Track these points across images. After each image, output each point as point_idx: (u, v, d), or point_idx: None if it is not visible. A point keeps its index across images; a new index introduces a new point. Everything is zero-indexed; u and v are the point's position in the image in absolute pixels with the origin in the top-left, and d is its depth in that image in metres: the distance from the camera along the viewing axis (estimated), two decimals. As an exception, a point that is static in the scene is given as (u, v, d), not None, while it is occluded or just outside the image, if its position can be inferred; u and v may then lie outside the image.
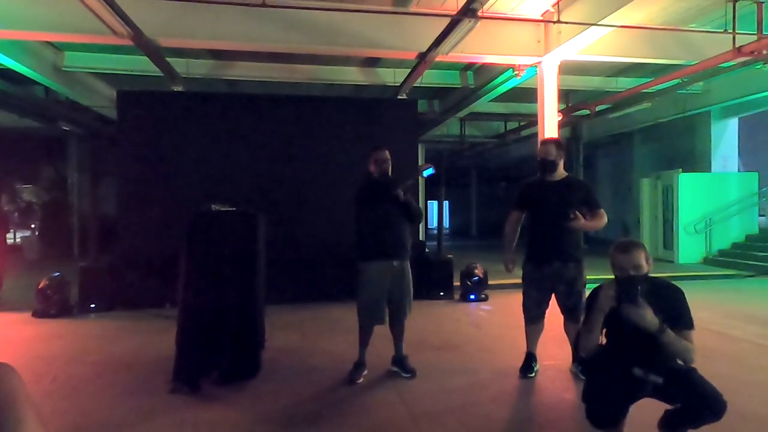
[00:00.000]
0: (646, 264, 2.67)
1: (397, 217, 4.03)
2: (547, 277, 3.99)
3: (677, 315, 2.63)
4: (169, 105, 7.89)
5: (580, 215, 3.82)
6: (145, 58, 7.80)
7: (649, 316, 2.58)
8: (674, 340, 2.57)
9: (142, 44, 6.90)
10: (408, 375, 4.08)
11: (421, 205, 8.58)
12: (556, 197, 3.97)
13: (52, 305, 6.44)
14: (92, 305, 6.68)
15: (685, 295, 2.68)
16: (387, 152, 4.12)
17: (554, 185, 4.05)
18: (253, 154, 7.56)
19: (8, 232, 14.45)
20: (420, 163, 8.95)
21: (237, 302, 4.02)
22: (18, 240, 14.98)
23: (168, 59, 8.27)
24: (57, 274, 6.77)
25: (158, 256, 6.40)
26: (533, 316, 4.11)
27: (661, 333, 2.56)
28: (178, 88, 9.21)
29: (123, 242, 7.24)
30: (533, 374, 4.09)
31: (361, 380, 3.99)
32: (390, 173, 4.11)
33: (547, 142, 4.27)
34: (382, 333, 4.19)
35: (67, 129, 12.35)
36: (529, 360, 4.14)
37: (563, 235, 3.92)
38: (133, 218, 7.26)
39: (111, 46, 8.29)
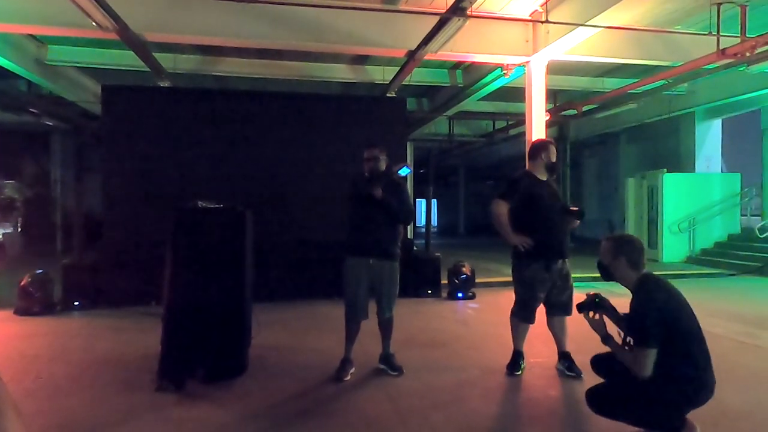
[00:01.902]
0: (608, 256, 2.83)
1: (376, 215, 3.97)
2: (550, 275, 3.99)
3: (630, 327, 2.73)
4: (155, 101, 7.80)
5: None
6: (131, 52, 7.69)
7: (594, 324, 2.85)
8: (616, 350, 2.76)
9: (128, 39, 6.81)
10: (395, 372, 4.08)
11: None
12: (553, 196, 4.02)
13: (34, 303, 6.34)
14: (76, 303, 6.60)
15: (649, 309, 2.59)
16: (375, 150, 4.09)
17: (547, 184, 4.09)
18: (240, 151, 7.50)
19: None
20: (408, 161, 8.96)
21: (223, 300, 4.00)
22: (-1, 236, 14.72)
23: (154, 54, 8.17)
24: (40, 271, 6.67)
25: (143, 253, 6.34)
26: (531, 316, 4.09)
27: (605, 341, 2.81)
28: (165, 84, 9.11)
29: (107, 239, 7.16)
30: (520, 372, 4.12)
31: (348, 378, 3.99)
32: (383, 170, 4.05)
33: (552, 143, 4.25)
34: (369, 330, 4.19)
35: (51, 124, 12.15)
36: (517, 358, 4.16)
37: (564, 232, 4.00)
38: (117, 215, 7.18)
39: (96, 40, 8.18)
